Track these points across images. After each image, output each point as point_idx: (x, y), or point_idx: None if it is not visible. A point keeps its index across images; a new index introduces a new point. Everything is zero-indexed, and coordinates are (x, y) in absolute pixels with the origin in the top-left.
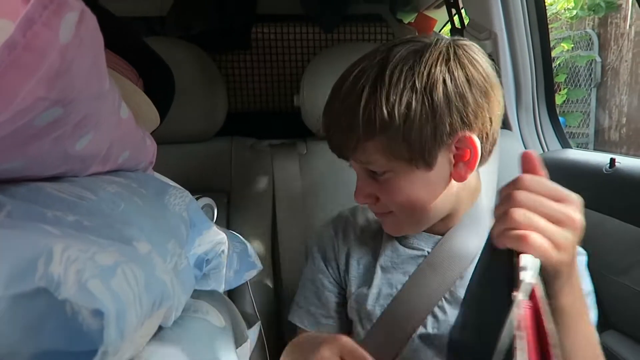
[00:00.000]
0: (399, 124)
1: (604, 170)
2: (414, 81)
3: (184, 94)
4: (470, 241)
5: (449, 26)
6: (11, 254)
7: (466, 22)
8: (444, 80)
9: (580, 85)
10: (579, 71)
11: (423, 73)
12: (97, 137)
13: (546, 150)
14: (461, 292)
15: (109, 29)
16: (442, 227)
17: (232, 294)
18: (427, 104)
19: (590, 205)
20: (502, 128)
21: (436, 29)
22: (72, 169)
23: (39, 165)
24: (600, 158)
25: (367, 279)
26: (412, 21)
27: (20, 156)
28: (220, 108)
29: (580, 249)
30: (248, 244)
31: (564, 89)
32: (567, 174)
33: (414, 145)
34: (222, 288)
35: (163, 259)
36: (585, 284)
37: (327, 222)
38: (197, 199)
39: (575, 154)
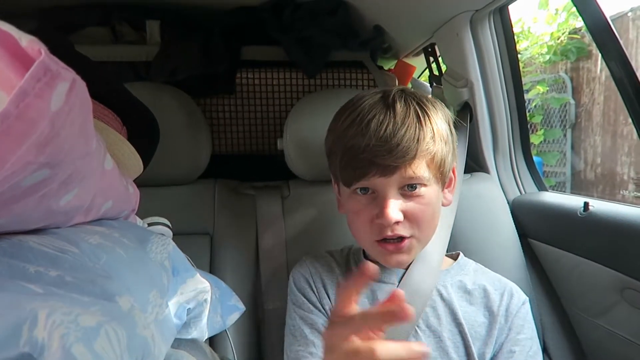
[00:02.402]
0: (446, 143)
1: (578, 213)
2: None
3: (169, 137)
4: (427, 277)
5: (427, 72)
6: None
7: (443, 69)
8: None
9: (556, 126)
10: (554, 112)
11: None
12: (82, 191)
13: (523, 192)
14: (434, 322)
15: (93, 78)
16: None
17: (212, 339)
18: (452, 132)
19: (566, 247)
20: (480, 171)
21: (415, 75)
22: (55, 222)
23: (22, 221)
24: (575, 201)
25: None
26: (392, 68)
27: (5, 214)
28: (204, 151)
29: (522, 294)
30: (229, 289)
31: (541, 129)
32: (543, 216)
33: (446, 165)
34: (204, 336)
35: (144, 312)
36: (530, 329)
37: (296, 269)
38: (149, 225)
39: (551, 197)
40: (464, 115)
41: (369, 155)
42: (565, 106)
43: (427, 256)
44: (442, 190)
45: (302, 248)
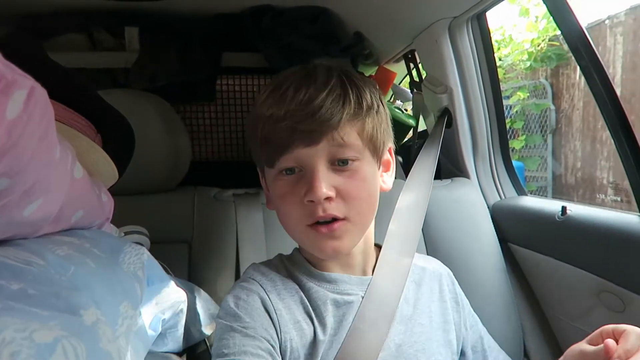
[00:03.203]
0: (376, 112)
1: (556, 217)
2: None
3: (148, 144)
4: (394, 279)
5: (408, 78)
6: None
7: (423, 75)
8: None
9: (536, 132)
10: (535, 118)
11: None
12: (47, 201)
13: (503, 197)
14: (406, 309)
15: (65, 85)
16: (360, 266)
17: (191, 348)
18: (385, 108)
19: (545, 251)
20: (460, 176)
21: (396, 81)
22: (20, 233)
23: None
24: (553, 206)
25: (306, 336)
26: (373, 74)
27: None
28: (183, 159)
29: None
30: (208, 297)
31: (522, 134)
32: (523, 221)
33: (379, 138)
34: (180, 347)
35: (113, 325)
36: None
37: (243, 286)
38: (126, 233)
39: (530, 201)
40: (443, 121)
41: (290, 122)
42: (545, 112)
43: (392, 262)
44: (379, 170)
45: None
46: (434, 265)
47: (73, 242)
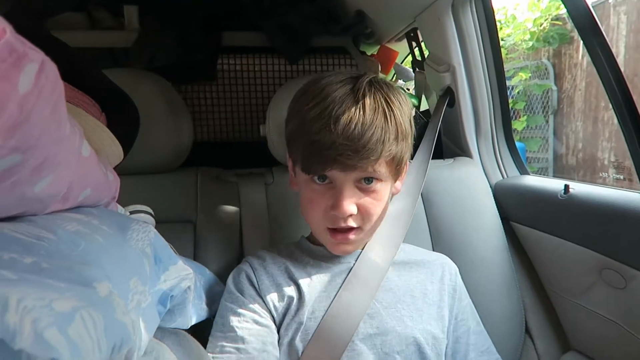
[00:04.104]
0: (406, 138)
1: (559, 196)
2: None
3: (150, 125)
4: (383, 254)
5: (410, 57)
6: None
7: (426, 54)
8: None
9: (538, 112)
10: (537, 99)
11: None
12: (57, 178)
13: (505, 176)
14: (397, 281)
15: (70, 64)
16: (361, 244)
17: (197, 326)
18: (412, 126)
19: (547, 229)
20: (463, 156)
21: (398, 60)
22: (30, 209)
23: None
24: (556, 184)
25: (302, 300)
26: (375, 53)
27: None
28: (186, 139)
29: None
30: (213, 276)
31: (524, 115)
32: (525, 200)
33: (403, 160)
34: (188, 324)
35: (124, 299)
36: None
37: (237, 267)
38: (131, 212)
39: (532, 180)
40: (445, 100)
41: (334, 153)
42: (547, 92)
43: (381, 236)
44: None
45: (285, 235)
46: (443, 259)
47: (82, 219)
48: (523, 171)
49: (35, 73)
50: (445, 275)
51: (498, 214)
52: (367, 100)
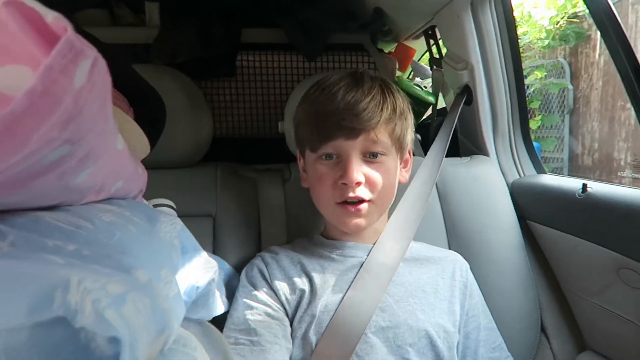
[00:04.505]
0: (405, 118)
1: (576, 195)
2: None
3: (170, 120)
4: (394, 249)
5: (427, 55)
6: (30, 285)
7: (444, 52)
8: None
9: (554, 112)
10: (552, 98)
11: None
12: (96, 170)
13: (522, 175)
14: (409, 277)
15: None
16: (372, 237)
17: (215, 318)
18: (411, 115)
19: (564, 228)
20: (479, 154)
21: (415, 58)
22: (68, 199)
23: (39, 198)
24: (573, 183)
25: (313, 293)
26: (392, 51)
27: (25, 190)
28: (205, 134)
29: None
30: (232, 269)
31: (539, 115)
32: (542, 199)
33: (404, 139)
34: (210, 315)
35: (160, 287)
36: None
37: (250, 263)
38: (154, 206)
39: (550, 179)
40: (462, 98)
41: (337, 119)
42: (563, 91)
43: (392, 231)
44: (400, 166)
45: (302, 230)
46: (454, 255)
47: (114, 210)
48: (540, 170)
49: (89, 69)
50: (456, 271)
51: (515, 212)
52: (366, 82)
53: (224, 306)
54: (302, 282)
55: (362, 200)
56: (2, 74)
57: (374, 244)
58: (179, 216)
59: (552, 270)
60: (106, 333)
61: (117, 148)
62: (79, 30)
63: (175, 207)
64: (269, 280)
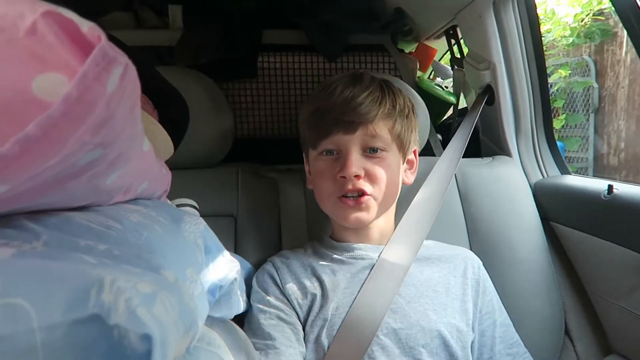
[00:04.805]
0: (406, 116)
1: (602, 196)
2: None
3: (193, 121)
4: (406, 249)
5: (448, 55)
6: (66, 284)
7: (465, 51)
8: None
9: (578, 111)
10: (577, 97)
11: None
12: (125, 171)
13: (545, 176)
14: (420, 277)
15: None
16: (379, 239)
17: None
18: (415, 116)
19: (589, 230)
20: (501, 154)
21: (436, 58)
22: (97, 200)
23: (71, 199)
24: (598, 184)
25: (325, 295)
26: (413, 51)
27: (59, 191)
28: (227, 135)
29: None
30: (253, 269)
31: (563, 114)
32: (566, 200)
33: (406, 138)
34: (232, 314)
35: (185, 286)
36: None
37: (261, 268)
38: (178, 206)
39: (574, 180)
40: (483, 98)
41: (335, 114)
42: (588, 90)
43: (402, 233)
44: (403, 165)
45: (323, 230)
46: (466, 253)
47: (141, 211)
48: (564, 171)
49: (120, 75)
50: (468, 269)
51: (538, 213)
52: (364, 77)
53: (245, 305)
54: (313, 287)
55: (362, 194)
56: (40, 81)
57: (386, 244)
58: (202, 216)
59: (576, 272)
60: (139, 330)
61: (143, 150)
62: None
63: (197, 206)
64: (280, 285)
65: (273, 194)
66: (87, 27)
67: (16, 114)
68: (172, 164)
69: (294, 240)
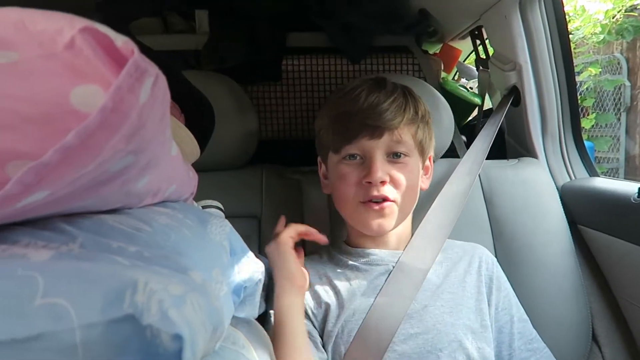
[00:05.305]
0: (426, 123)
1: (632, 199)
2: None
3: (219, 124)
4: (423, 255)
5: (472, 56)
6: (102, 285)
7: (490, 52)
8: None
9: (608, 110)
10: (607, 95)
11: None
12: (155, 176)
13: (573, 178)
14: (435, 279)
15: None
16: (395, 243)
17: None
18: (431, 123)
19: (618, 234)
20: (527, 156)
21: (460, 59)
22: (129, 203)
23: (104, 202)
24: (628, 187)
25: (341, 300)
26: (437, 52)
27: (93, 196)
28: (252, 137)
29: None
30: None
31: (593, 113)
32: (594, 203)
33: (427, 144)
34: (255, 314)
35: (212, 287)
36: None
37: None
38: (203, 207)
39: (603, 183)
40: (508, 99)
41: (360, 118)
42: (619, 88)
43: (421, 237)
44: (421, 170)
45: (345, 232)
46: (480, 250)
47: (169, 213)
48: (592, 173)
49: (151, 85)
50: (482, 266)
51: (565, 216)
52: (388, 85)
53: (266, 305)
54: (327, 296)
55: (385, 199)
56: (77, 93)
57: (405, 247)
58: (226, 217)
59: (604, 276)
60: (170, 330)
61: (171, 154)
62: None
63: (222, 208)
64: None
65: (296, 195)
66: (121, 41)
67: (55, 124)
68: (198, 166)
69: (316, 242)
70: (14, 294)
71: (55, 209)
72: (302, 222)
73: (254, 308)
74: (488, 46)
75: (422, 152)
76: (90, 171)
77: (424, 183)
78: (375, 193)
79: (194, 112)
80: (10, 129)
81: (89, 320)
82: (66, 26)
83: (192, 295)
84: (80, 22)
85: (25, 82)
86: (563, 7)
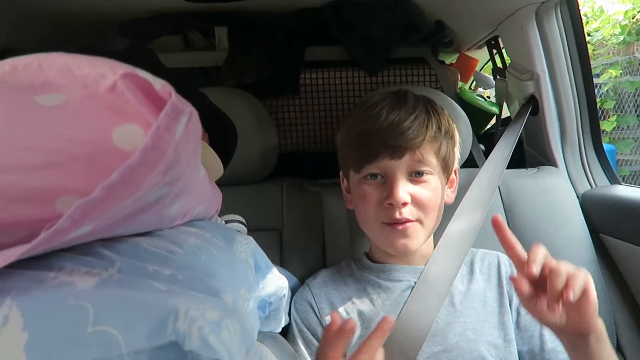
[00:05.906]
0: (451, 137)
1: None
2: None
3: (239, 138)
4: (445, 270)
5: (489, 65)
6: (146, 313)
7: (507, 61)
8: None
9: (630, 112)
10: (628, 97)
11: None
12: (186, 200)
13: (594, 186)
14: (458, 295)
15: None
16: (418, 259)
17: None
18: (456, 133)
19: None
20: (547, 165)
21: (477, 68)
22: (161, 226)
23: (139, 227)
24: None
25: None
26: (454, 62)
27: (132, 224)
28: (272, 151)
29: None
30: (299, 283)
31: (613, 115)
32: (616, 211)
33: (450, 159)
34: (279, 328)
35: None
36: None
37: (298, 294)
38: (226, 222)
39: (625, 190)
40: (527, 108)
41: (381, 137)
42: None
43: (452, 248)
44: (446, 185)
45: (366, 243)
46: (500, 258)
47: (198, 233)
48: (614, 180)
49: (186, 122)
50: (501, 273)
51: (586, 225)
52: (409, 101)
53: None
54: (345, 314)
55: (408, 221)
56: (119, 132)
57: (426, 262)
58: (248, 230)
59: (628, 286)
60: (211, 356)
61: (199, 176)
62: (158, 65)
63: (244, 222)
64: (318, 315)
65: (317, 208)
66: (159, 85)
67: (99, 162)
68: (220, 181)
69: (337, 255)
70: (69, 323)
71: (95, 237)
72: (322, 234)
73: (278, 323)
74: (505, 55)
75: (446, 168)
76: (130, 204)
77: (449, 197)
78: (397, 216)
79: (217, 130)
80: (60, 167)
81: (136, 347)
82: (109, 71)
83: (227, 320)
84: (123, 67)
85: (71, 122)
86: (580, 15)
